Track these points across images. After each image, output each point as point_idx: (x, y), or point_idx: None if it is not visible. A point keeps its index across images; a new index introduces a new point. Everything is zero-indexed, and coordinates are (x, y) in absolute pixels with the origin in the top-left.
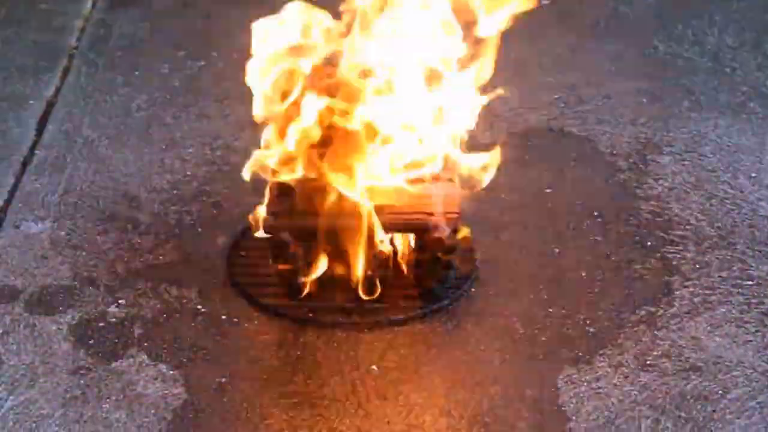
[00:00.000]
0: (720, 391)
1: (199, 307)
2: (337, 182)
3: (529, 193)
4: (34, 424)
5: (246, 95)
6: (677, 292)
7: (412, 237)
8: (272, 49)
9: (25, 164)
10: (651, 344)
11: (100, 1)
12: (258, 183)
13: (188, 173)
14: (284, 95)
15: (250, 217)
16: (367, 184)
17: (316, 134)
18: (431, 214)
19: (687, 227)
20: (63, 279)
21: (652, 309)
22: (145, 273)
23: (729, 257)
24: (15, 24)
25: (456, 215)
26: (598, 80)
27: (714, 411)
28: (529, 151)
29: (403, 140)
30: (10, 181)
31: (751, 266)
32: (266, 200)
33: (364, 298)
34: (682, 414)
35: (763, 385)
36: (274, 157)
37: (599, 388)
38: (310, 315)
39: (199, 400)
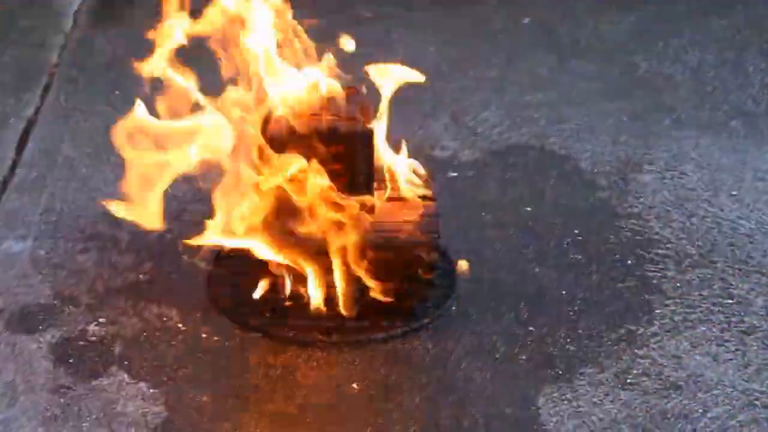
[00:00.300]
0: (700, 410)
1: (180, 325)
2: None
3: (509, 212)
4: None
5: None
6: (657, 311)
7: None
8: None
9: (5, 183)
10: (631, 363)
11: (81, 18)
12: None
13: (168, 192)
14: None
15: None
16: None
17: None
18: (411, 233)
19: (667, 246)
20: (43, 298)
21: (633, 327)
22: (125, 291)
23: (709, 276)
24: None
25: (436, 234)
26: (579, 99)
27: (694, 430)
28: (509, 169)
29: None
30: None
31: (732, 284)
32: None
33: (345, 316)
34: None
35: (744, 404)
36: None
37: (579, 406)
38: (291, 334)
39: (180, 419)
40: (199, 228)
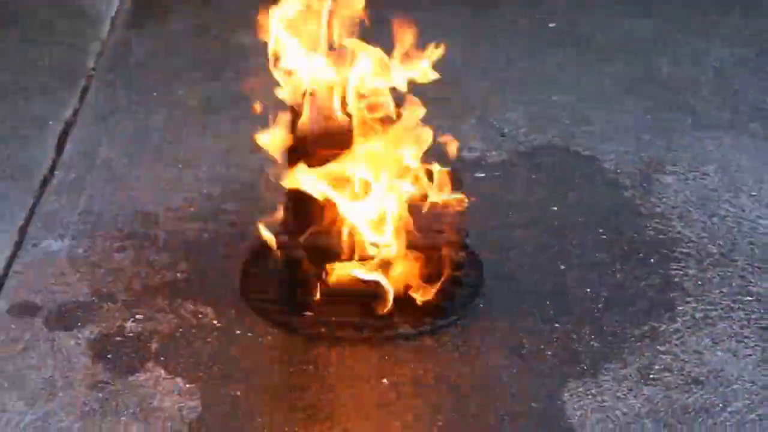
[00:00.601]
0: (721, 404)
1: (215, 322)
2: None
3: (535, 212)
4: None
5: (259, 117)
6: (680, 308)
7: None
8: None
9: (44, 184)
10: (654, 358)
11: (118, 22)
12: (273, 202)
13: (204, 191)
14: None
15: (263, 232)
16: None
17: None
18: (441, 232)
19: (689, 245)
20: (81, 295)
21: (655, 324)
22: (162, 289)
23: (729, 274)
24: (34, 45)
25: (464, 233)
26: (603, 100)
27: (715, 424)
28: (535, 170)
29: None
30: (29, 201)
31: (751, 282)
32: (281, 217)
33: (375, 313)
34: (684, 426)
35: (763, 398)
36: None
37: (603, 401)
38: (322, 330)
39: (215, 414)
40: (235, 228)
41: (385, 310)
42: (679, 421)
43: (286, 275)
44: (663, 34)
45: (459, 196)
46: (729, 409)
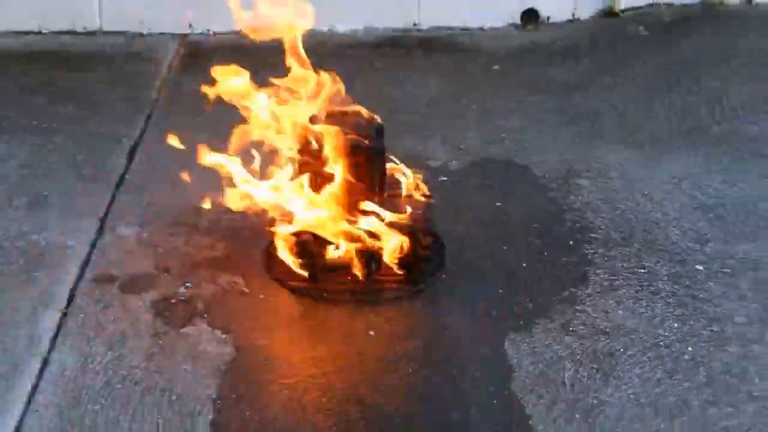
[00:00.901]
0: (622, 349)
1: (244, 289)
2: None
3: (485, 207)
4: (125, 373)
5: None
6: (591, 278)
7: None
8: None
9: (119, 185)
10: (572, 316)
11: (173, 66)
12: None
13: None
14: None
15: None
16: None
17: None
18: (413, 221)
19: (598, 231)
20: (145, 268)
21: (573, 290)
22: (204, 264)
23: (628, 252)
24: (114, 83)
25: (431, 222)
26: (535, 124)
27: (617, 363)
28: (484, 176)
29: None
30: (108, 198)
31: (644, 259)
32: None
33: (365, 282)
34: (595, 366)
35: (653, 344)
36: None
37: (535, 348)
38: (325, 295)
39: (245, 357)
40: (260, 218)
41: (366, 279)
42: (590, 362)
43: (298, 254)
44: (577, 79)
45: (427, 194)
46: (628, 353)
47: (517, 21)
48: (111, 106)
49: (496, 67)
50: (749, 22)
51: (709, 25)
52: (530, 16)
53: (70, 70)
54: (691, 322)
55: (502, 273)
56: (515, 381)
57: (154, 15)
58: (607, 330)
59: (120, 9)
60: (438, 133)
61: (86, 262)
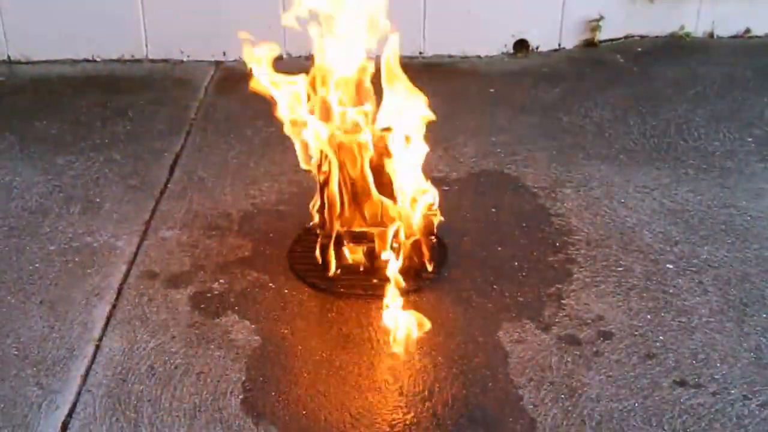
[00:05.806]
0: (601, 338)
1: (270, 284)
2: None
3: (481, 212)
4: (167, 357)
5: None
6: (575, 275)
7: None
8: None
9: (161, 194)
10: (558, 309)
11: (210, 89)
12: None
13: (264, 199)
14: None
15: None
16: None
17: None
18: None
19: (581, 234)
20: (184, 266)
21: (559, 286)
22: (236, 263)
23: (607, 252)
24: (157, 104)
25: (433, 225)
26: (526, 140)
27: (597, 350)
28: (481, 185)
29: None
30: (151, 205)
31: (621, 258)
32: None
33: (377, 280)
34: (577, 352)
35: (629, 334)
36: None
37: (525, 336)
38: (341, 290)
39: (270, 344)
40: (284, 222)
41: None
42: (574, 349)
43: (319, 254)
44: (562, 100)
45: (431, 201)
46: (606, 342)
47: (510, 50)
48: (155, 124)
49: (491, 90)
50: (711, 51)
51: (676, 55)
52: (521, 45)
53: (120, 93)
54: (662, 314)
55: (496, 271)
56: (509, 365)
57: (193, 45)
58: (589, 321)
59: (163, 39)
60: (440, 147)
61: (133, 261)
